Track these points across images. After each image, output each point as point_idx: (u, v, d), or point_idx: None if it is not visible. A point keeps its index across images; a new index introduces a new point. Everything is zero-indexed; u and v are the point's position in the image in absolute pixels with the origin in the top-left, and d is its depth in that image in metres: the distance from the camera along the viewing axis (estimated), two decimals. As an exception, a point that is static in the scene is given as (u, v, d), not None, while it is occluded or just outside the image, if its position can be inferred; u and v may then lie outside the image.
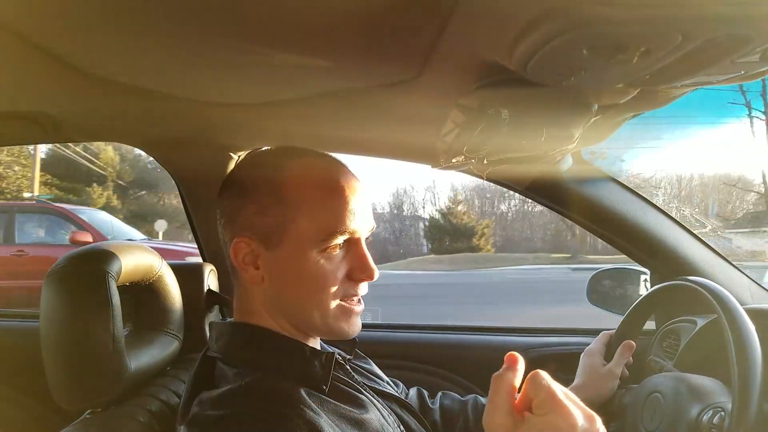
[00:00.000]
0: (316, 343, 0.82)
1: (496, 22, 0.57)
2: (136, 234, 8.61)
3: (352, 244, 0.74)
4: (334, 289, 0.73)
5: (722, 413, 0.80)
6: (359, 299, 0.77)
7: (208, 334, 0.82)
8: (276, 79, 0.84)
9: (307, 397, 0.68)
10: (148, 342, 0.90)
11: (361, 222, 0.74)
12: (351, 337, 0.77)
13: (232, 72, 0.79)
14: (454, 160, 0.99)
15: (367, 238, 0.77)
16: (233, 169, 0.79)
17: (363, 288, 0.76)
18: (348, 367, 0.83)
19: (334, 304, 0.73)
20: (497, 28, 0.58)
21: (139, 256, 0.88)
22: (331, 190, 0.73)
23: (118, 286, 0.81)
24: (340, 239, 0.72)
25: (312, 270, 0.72)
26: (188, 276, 1.09)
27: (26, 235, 7.44)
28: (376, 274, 0.75)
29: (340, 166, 0.77)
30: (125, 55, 0.75)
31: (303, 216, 0.71)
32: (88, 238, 6.96)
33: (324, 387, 0.72)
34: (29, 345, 0.89)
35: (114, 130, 1.15)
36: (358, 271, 0.74)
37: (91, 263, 0.80)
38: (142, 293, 0.93)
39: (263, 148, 0.83)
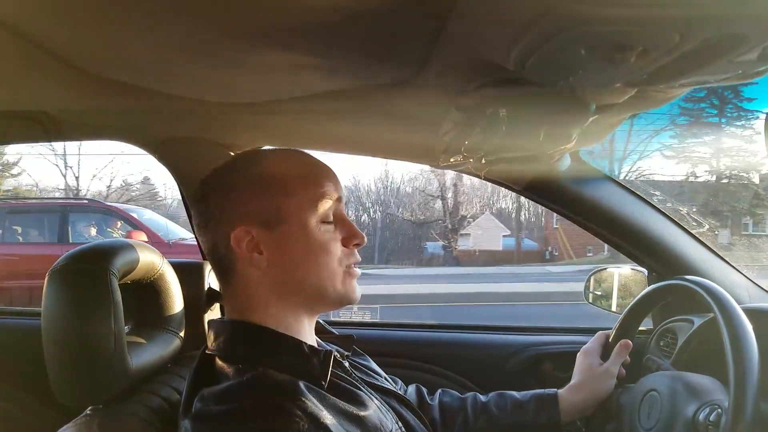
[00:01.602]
0: (313, 339, 0.83)
1: (494, 21, 0.57)
2: (186, 233, 8.36)
3: (337, 215, 0.81)
4: (338, 255, 0.79)
5: (719, 411, 0.81)
6: (356, 265, 0.82)
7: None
8: (276, 79, 0.84)
9: (307, 391, 0.69)
10: (149, 339, 0.90)
11: (340, 194, 0.82)
12: (356, 301, 0.81)
13: (233, 71, 0.80)
14: (452, 160, 1.00)
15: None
16: (206, 178, 0.82)
17: (357, 255, 0.83)
18: (346, 364, 0.84)
19: (340, 269, 0.79)
20: (495, 27, 0.58)
21: (140, 254, 0.89)
22: (311, 165, 0.82)
23: (119, 284, 0.82)
24: (331, 205, 0.79)
25: (317, 238, 0.77)
26: (189, 274, 1.10)
27: (79, 234, 7.34)
28: (365, 239, 0.83)
29: (305, 152, 0.85)
30: (126, 54, 0.75)
31: (296, 191, 0.77)
32: (143, 237, 6.77)
33: (323, 383, 0.73)
34: (31, 343, 0.90)
35: (114, 128, 1.15)
36: (351, 238, 0.81)
37: (93, 261, 0.81)
38: (144, 291, 0.93)
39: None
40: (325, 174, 0.81)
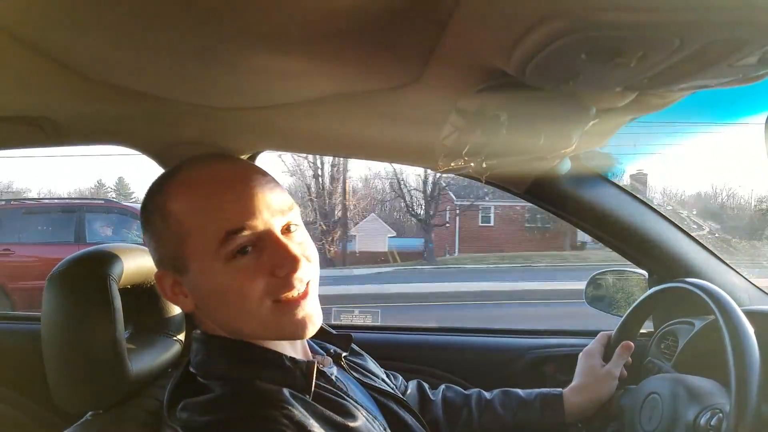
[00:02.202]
0: (296, 348, 0.79)
1: (495, 26, 0.58)
2: None
3: (262, 240, 0.68)
4: (257, 292, 0.67)
5: (720, 415, 0.81)
6: (304, 289, 0.70)
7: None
8: (277, 83, 0.84)
9: (293, 399, 0.68)
10: (150, 344, 0.90)
11: (263, 214, 0.68)
12: (304, 334, 0.71)
13: (235, 76, 0.80)
14: (453, 164, 1.00)
15: (286, 227, 0.71)
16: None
17: (299, 279, 0.69)
18: (334, 371, 0.81)
19: (264, 307, 0.68)
20: (495, 32, 0.59)
21: (140, 259, 0.89)
22: (212, 193, 0.68)
23: (119, 289, 0.82)
24: (240, 240, 0.66)
25: (226, 284, 0.67)
26: None
27: (95, 234, 7.31)
28: (301, 263, 0.68)
29: (224, 166, 0.72)
30: (127, 59, 0.75)
31: (192, 234, 0.67)
32: None
33: (307, 396, 0.71)
34: (31, 347, 0.90)
35: (116, 133, 1.15)
36: (277, 268, 0.67)
37: (93, 266, 0.81)
38: (143, 296, 0.93)
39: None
40: (229, 200, 0.67)
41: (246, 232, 0.66)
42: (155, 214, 0.71)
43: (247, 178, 0.70)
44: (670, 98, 0.72)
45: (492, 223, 20.93)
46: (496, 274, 13.01)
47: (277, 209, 0.70)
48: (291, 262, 0.67)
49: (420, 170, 18.81)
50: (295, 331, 0.70)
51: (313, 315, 0.71)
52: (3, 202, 8.59)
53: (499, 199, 20.07)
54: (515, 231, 20.54)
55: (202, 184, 0.69)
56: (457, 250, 20.19)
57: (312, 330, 0.71)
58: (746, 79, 0.60)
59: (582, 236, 20.62)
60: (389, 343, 1.53)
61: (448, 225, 20.42)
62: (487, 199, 19.70)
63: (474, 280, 11.25)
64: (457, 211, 20.23)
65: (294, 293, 0.69)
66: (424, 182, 18.75)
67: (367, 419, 0.75)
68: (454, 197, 20.12)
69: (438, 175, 18.09)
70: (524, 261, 15.80)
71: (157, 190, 0.72)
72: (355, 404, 0.77)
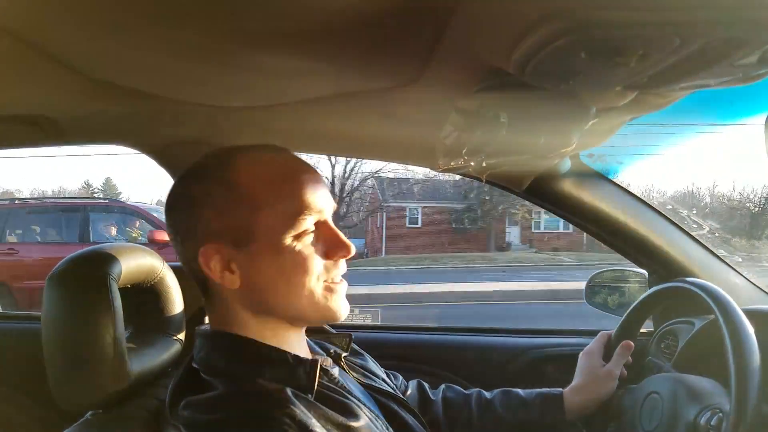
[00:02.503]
0: (301, 347, 0.80)
1: (495, 25, 0.58)
2: None
3: (320, 226, 0.74)
4: (316, 271, 0.72)
5: (720, 415, 0.81)
6: (342, 278, 0.77)
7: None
8: (279, 82, 0.84)
9: (295, 399, 0.68)
10: (150, 344, 0.90)
11: (323, 202, 0.74)
12: (341, 317, 0.76)
13: (237, 75, 0.80)
14: (453, 163, 1.00)
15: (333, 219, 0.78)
16: (173, 185, 0.77)
17: (342, 266, 0.76)
18: (336, 371, 0.81)
19: (319, 286, 0.73)
20: (496, 31, 0.59)
21: (140, 258, 0.89)
22: (286, 175, 0.73)
23: (119, 288, 0.82)
24: (309, 221, 0.72)
25: (292, 257, 0.71)
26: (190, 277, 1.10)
27: (99, 234, 7.25)
28: (353, 249, 0.75)
29: (287, 152, 0.77)
30: (127, 58, 0.76)
31: (267, 206, 0.70)
32: (166, 237, 6.61)
33: (310, 395, 0.71)
34: (31, 347, 0.90)
35: (115, 132, 1.16)
36: (333, 250, 0.74)
37: (93, 265, 0.81)
38: (144, 295, 0.93)
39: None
40: (303, 182, 0.73)
41: (315, 215, 0.73)
42: (216, 185, 0.72)
43: (312, 170, 0.76)
44: (671, 97, 0.72)
45: (419, 224, 20.99)
46: (404, 275, 12.95)
47: (329, 204, 0.76)
48: (345, 248, 0.74)
49: (327, 172, 18.66)
50: (337, 313, 0.75)
51: (346, 303, 0.77)
52: (7, 202, 8.59)
53: (426, 201, 20.29)
54: (442, 232, 20.63)
55: (278, 164, 0.74)
56: (384, 252, 20.16)
57: (344, 315, 0.76)
58: (746, 78, 0.60)
59: (509, 237, 20.86)
60: (389, 343, 1.53)
61: (356, 226, 20.42)
62: (387, 200, 19.80)
63: (379, 283, 10.94)
64: (368, 212, 20.27)
65: (339, 278, 0.76)
66: (332, 183, 18.48)
67: (370, 419, 0.75)
68: (381, 198, 20.11)
69: (348, 176, 18.14)
70: (432, 261, 16.10)
71: (217, 164, 0.74)
72: (358, 404, 0.77)
